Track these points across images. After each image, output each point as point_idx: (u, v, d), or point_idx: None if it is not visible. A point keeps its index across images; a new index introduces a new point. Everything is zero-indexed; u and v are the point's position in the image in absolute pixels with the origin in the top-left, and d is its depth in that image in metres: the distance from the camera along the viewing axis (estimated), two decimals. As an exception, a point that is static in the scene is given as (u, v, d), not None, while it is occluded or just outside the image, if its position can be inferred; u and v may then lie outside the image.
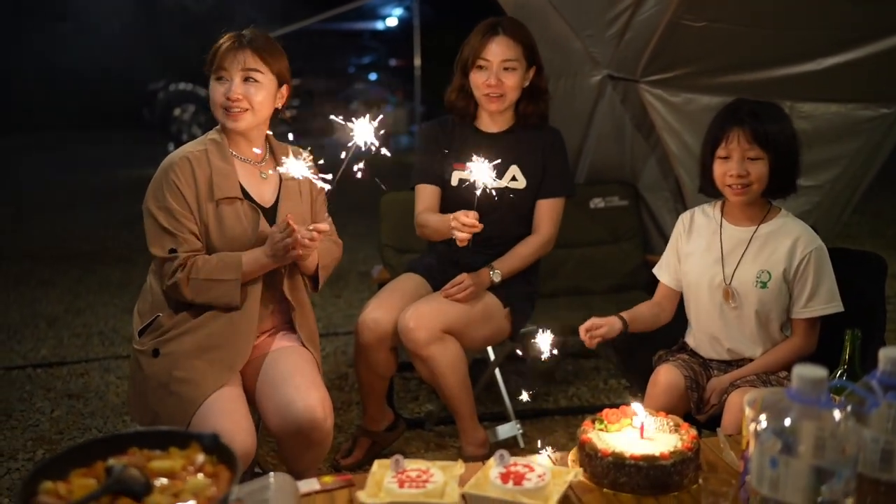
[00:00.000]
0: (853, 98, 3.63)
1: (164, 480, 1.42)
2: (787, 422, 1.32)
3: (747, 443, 1.53)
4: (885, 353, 1.43)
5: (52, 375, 4.20)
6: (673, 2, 3.17)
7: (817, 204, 3.78)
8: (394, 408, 3.35)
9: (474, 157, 2.43)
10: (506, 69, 2.97)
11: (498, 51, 2.97)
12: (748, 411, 1.53)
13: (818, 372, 1.31)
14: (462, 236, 2.63)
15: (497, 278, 3.00)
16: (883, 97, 3.66)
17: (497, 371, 3.42)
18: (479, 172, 2.41)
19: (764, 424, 1.37)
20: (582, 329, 2.50)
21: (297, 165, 2.19)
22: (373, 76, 16.81)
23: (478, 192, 2.44)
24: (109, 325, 4.99)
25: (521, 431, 3.26)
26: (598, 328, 2.49)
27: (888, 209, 8.05)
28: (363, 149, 2.11)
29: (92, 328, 4.96)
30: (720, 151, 2.46)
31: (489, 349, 3.36)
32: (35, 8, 16.04)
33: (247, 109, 2.45)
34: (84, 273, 6.23)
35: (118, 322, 5.00)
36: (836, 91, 3.58)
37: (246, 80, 2.44)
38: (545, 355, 2.29)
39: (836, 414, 1.32)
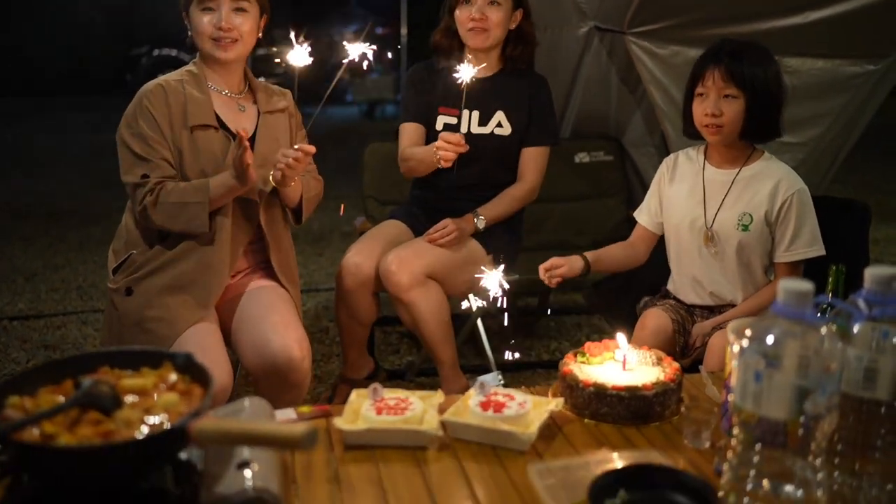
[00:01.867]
0: (840, 53, 3.61)
1: (134, 398, 1.40)
2: (771, 337, 1.30)
3: (729, 374, 1.51)
4: (870, 272, 1.41)
5: (28, 328, 4.16)
6: (662, -52, 3.13)
7: (802, 161, 3.76)
8: (375, 358, 3.33)
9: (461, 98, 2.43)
10: (491, 3, 2.92)
11: None
12: (731, 338, 1.51)
13: (804, 284, 1.29)
14: (447, 155, 2.61)
15: (481, 224, 2.97)
16: (869, 53, 3.63)
17: (479, 323, 3.40)
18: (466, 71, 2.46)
19: (747, 343, 1.35)
20: (541, 268, 2.49)
21: (299, 53, 2.19)
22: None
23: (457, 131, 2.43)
24: (88, 281, 4.93)
25: (502, 382, 3.24)
26: (557, 267, 2.47)
27: (873, 178, 8.10)
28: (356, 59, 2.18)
29: (70, 283, 4.91)
30: (698, 89, 2.45)
31: (471, 298, 3.34)
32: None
33: (237, 40, 2.41)
34: (64, 230, 6.17)
35: (97, 277, 4.95)
36: (823, 46, 3.56)
37: (235, 10, 2.39)
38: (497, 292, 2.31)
39: (821, 329, 1.30)
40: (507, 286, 2.34)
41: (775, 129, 2.49)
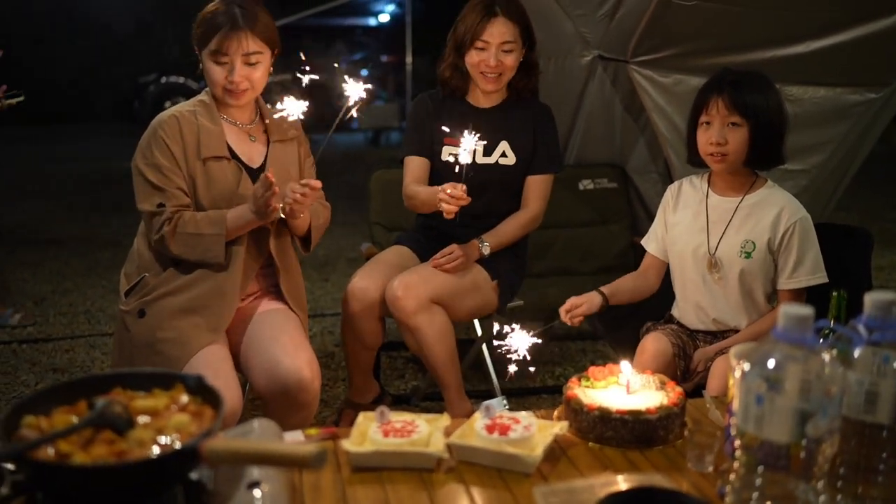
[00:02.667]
0: (841, 82, 3.65)
1: (146, 418, 1.42)
2: (773, 361, 1.33)
3: (732, 398, 1.54)
4: (870, 297, 1.43)
5: (37, 351, 4.19)
6: (664, -20, 3.18)
7: (805, 188, 3.79)
8: (380, 383, 3.35)
9: (465, 133, 2.45)
10: (505, 51, 2.95)
11: (497, 32, 2.93)
12: (734, 362, 1.53)
13: (804, 309, 1.32)
14: (449, 208, 2.63)
15: (486, 250, 3.00)
16: (871, 82, 3.67)
17: (484, 348, 3.42)
18: (468, 144, 2.45)
19: (749, 367, 1.37)
20: (562, 310, 2.52)
21: (295, 104, 2.23)
22: (364, 72, 16.85)
23: (460, 166, 2.46)
24: (96, 305, 4.97)
25: (507, 407, 3.25)
26: (577, 307, 2.51)
27: (877, 205, 8.14)
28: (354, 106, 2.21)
29: (78, 307, 4.94)
30: (702, 118, 2.48)
31: (476, 324, 3.37)
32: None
33: (247, 89, 2.47)
34: (72, 256, 6.22)
35: (105, 302, 4.99)
36: (824, 74, 3.60)
37: (246, 64, 2.44)
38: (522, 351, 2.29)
39: (822, 353, 1.33)
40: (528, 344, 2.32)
41: (778, 156, 2.53)
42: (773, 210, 2.49)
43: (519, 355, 2.28)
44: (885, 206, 8.30)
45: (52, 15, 16.71)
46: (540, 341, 2.30)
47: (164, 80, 15.93)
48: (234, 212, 2.39)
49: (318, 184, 2.36)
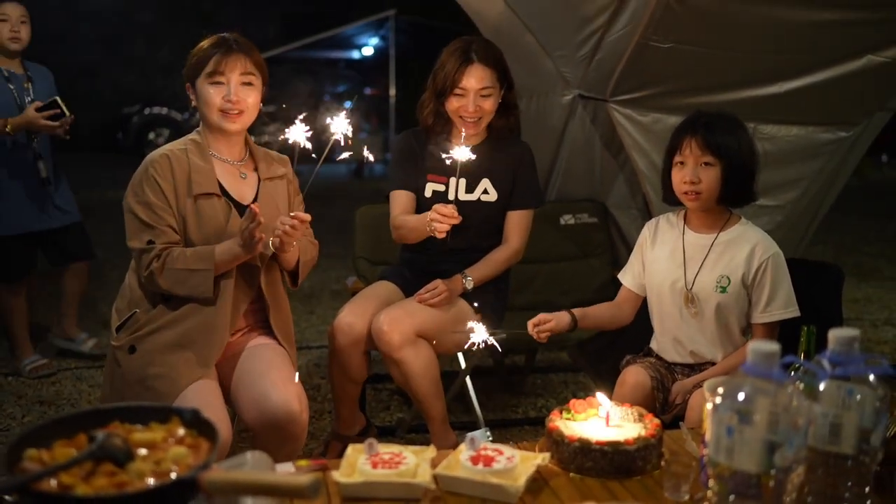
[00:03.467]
0: (813, 121, 3.79)
1: (145, 451, 1.47)
2: (742, 395, 1.40)
3: (706, 429, 1.61)
4: (833, 334, 1.52)
5: (23, 384, 4.20)
6: (641, 23, 3.28)
7: (780, 223, 3.90)
8: (366, 415, 3.40)
9: (447, 166, 2.57)
10: (483, 96, 3.04)
11: (474, 80, 3.01)
12: (707, 395, 1.61)
13: (771, 346, 1.40)
14: (441, 227, 2.72)
15: (469, 284, 3.08)
16: (841, 120, 3.81)
17: (468, 380, 3.48)
18: (460, 153, 2.62)
19: (720, 400, 1.45)
20: (530, 324, 2.62)
21: (297, 130, 2.30)
22: (348, 104, 16.94)
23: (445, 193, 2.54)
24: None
25: (490, 438, 3.31)
26: (546, 322, 2.60)
27: (852, 239, 8.28)
28: (341, 142, 2.30)
29: (64, 340, 4.94)
30: (677, 158, 2.58)
31: (460, 357, 3.43)
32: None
33: (243, 111, 2.54)
34: (55, 287, 6.19)
35: (91, 333, 4.99)
36: (798, 114, 3.73)
37: (243, 84, 2.53)
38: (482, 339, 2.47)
39: (789, 387, 1.40)
40: (494, 342, 2.46)
41: (750, 193, 2.63)
42: (747, 246, 2.58)
43: (478, 345, 2.48)
44: (860, 239, 8.46)
45: (36, 45, 16.74)
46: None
47: (147, 110, 16.00)
48: (222, 246, 2.45)
49: (307, 217, 2.43)
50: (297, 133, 2.31)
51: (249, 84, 2.54)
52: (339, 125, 2.29)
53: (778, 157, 3.75)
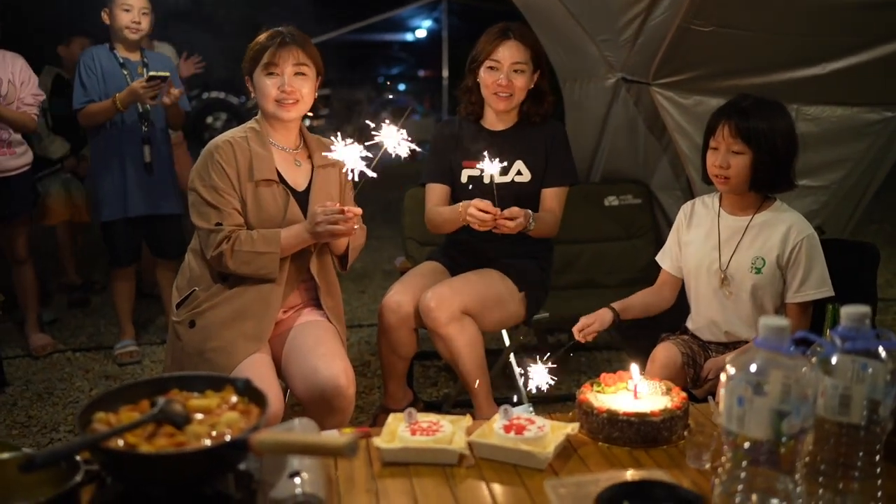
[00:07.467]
0: (858, 101, 3.77)
1: (201, 416, 1.62)
2: (754, 367, 1.49)
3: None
4: (845, 311, 1.59)
5: (90, 359, 4.44)
6: (682, 7, 3.32)
7: (825, 203, 3.91)
8: (414, 390, 3.53)
9: (484, 154, 2.69)
10: (515, 71, 3.15)
11: (508, 53, 3.14)
12: (728, 367, 1.69)
13: (781, 321, 1.48)
14: (483, 218, 2.84)
15: (532, 226, 3.05)
16: (887, 101, 3.79)
17: (512, 357, 3.59)
18: (489, 167, 2.70)
19: (734, 372, 1.53)
20: (575, 330, 2.68)
21: (350, 153, 2.33)
22: (401, 87, 17.07)
23: (489, 183, 2.63)
24: (144, 316, 5.18)
25: (532, 413, 3.41)
26: (589, 325, 2.67)
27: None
28: (392, 155, 2.35)
29: (128, 318, 5.17)
30: (712, 142, 2.63)
31: (504, 334, 3.53)
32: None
33: (298, 101, 2.67)
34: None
35: (152, 313, 5.21)
36: (841, 94, 3.72)
37: (296, 74, 2.66)
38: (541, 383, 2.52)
39: (799, 361, 1.48)
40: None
41: (785, 181, 2.64)
42: (781, 228, 2.63)
43: (538, 389, 2.52)
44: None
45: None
46: (554, 365, 2.50)
47: (205, 95, 16.30)
48: (289, 231, 2.60)
49: (359, 211, 2.57)
50: (352, 158, 2.32)
51: (303, 74, 2.67)
52: (390, 137, 2.32)
53: (822, 138, 3.75)
